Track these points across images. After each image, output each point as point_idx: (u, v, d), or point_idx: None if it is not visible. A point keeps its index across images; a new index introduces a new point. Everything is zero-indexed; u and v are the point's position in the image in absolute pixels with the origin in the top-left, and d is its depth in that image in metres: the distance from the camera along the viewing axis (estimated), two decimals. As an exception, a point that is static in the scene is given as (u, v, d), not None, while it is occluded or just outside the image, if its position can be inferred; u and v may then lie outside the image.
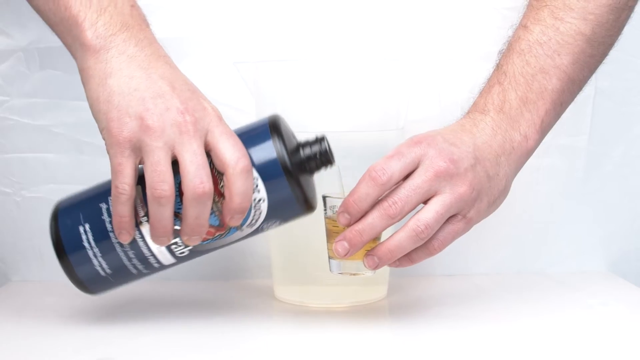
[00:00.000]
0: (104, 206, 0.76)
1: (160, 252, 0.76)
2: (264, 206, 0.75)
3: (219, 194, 0.73)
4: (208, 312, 0.87)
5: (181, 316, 0.86)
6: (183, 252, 0.77)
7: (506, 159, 0.79)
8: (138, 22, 0.75)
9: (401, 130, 0.91)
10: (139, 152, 0.72)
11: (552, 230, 1.02)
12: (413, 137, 0.77)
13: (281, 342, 0.80)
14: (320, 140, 0.77)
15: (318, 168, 0.77)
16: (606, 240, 1.03)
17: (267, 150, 0.74)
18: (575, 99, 0.95)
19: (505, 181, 0.79)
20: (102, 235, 0.76)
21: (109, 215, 0.76)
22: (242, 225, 0.75)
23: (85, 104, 0.97)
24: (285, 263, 0.90)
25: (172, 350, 0.78)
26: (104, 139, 0.73)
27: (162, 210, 0.72)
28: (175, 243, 0.76)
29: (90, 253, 0.77)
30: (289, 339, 0.81)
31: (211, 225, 0.75)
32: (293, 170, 0.74)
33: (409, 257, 0.77)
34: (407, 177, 0.76)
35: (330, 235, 0.79)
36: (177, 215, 0.74)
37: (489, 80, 0.82)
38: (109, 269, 0.77)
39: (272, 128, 0.75)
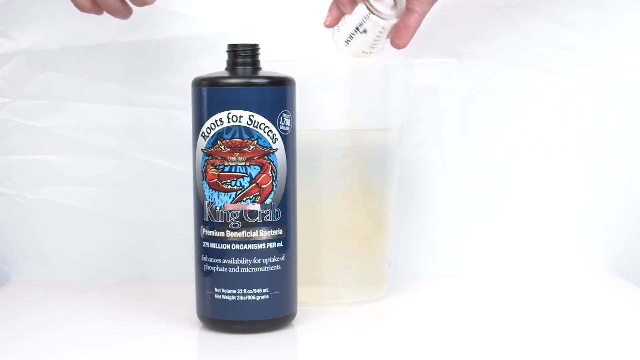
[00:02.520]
0: None
1: None
2: None
3: None
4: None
5: (179, 315, 0.86)
6: None
7: None
8: None
9: (401, 129, 0.91)
10: None
11: (553, 229, 1.02)
12: None
13: (280, 342, 0.80)
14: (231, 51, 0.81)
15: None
16: (608, 239, 1.02)
17: None
18: (578, 97, 0.95)
19: None
20: None
21: None
22: None
23: (88, 106, 0.99)
24: None
25: (175, 347, 0.79)
26: None
27: None
28: None
29: None
30: (288, 338, 0.81)
31: None
32: None
33: None
34: None
35: None
36: None
37: None
38: None
39: None
